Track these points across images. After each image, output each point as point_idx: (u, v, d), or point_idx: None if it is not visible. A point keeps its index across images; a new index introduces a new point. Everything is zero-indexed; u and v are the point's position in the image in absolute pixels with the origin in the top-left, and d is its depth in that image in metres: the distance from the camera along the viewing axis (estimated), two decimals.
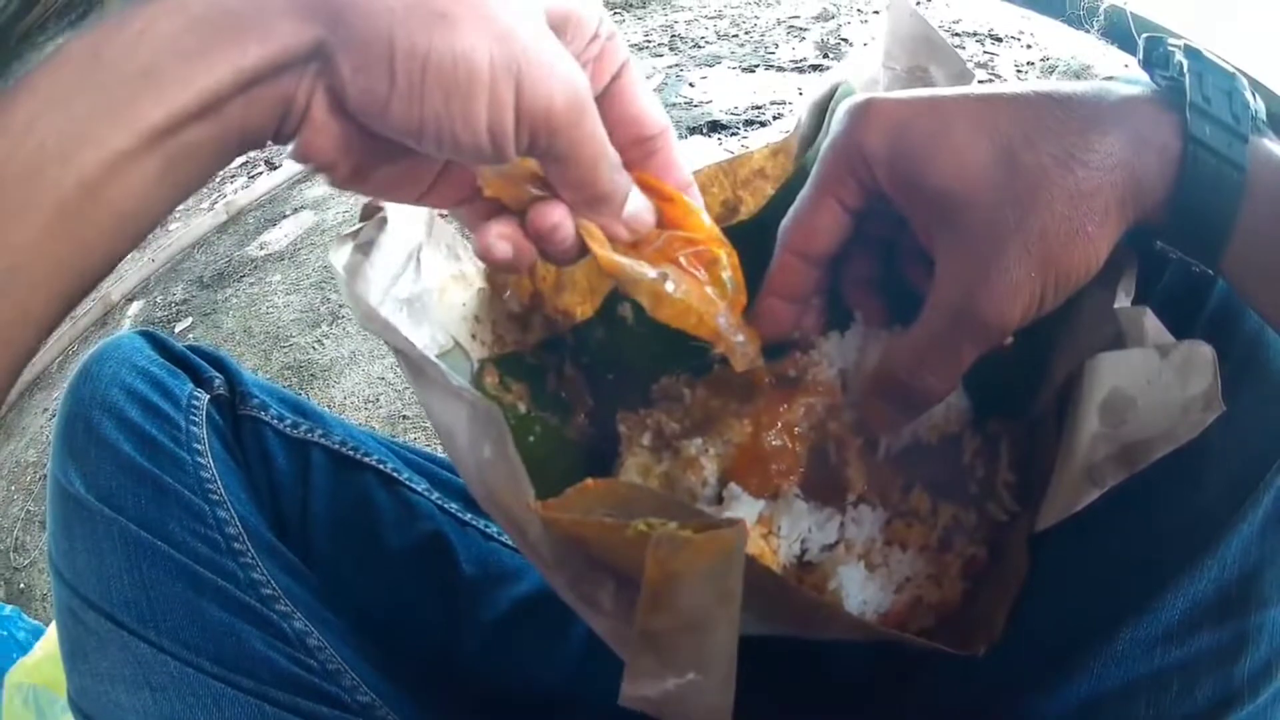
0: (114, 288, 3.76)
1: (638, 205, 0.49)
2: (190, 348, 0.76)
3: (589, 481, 0.44)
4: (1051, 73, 2.80)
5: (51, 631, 1.48)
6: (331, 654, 0.63)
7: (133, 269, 3.87)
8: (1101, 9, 2.94)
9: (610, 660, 0.51)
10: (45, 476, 2.83)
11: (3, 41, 4.46)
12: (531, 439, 0.60)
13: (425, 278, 0.56)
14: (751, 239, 0.58)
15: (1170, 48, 0.45)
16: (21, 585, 2.39)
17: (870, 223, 0.52)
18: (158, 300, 3.48)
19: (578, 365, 0.64)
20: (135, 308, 3.57)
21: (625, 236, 0.49)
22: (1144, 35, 0.46)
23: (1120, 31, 2.89)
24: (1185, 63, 0.44)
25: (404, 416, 2.09)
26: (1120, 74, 0.51)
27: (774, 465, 0.54)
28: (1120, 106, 0.43)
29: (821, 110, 0.63)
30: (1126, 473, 0.43)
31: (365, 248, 0.52)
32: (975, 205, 0.44)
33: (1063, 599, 0.50)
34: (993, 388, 0.55)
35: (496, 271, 0.62)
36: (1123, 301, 0.46)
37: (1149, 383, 0.43)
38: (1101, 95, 0.44)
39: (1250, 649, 0.44)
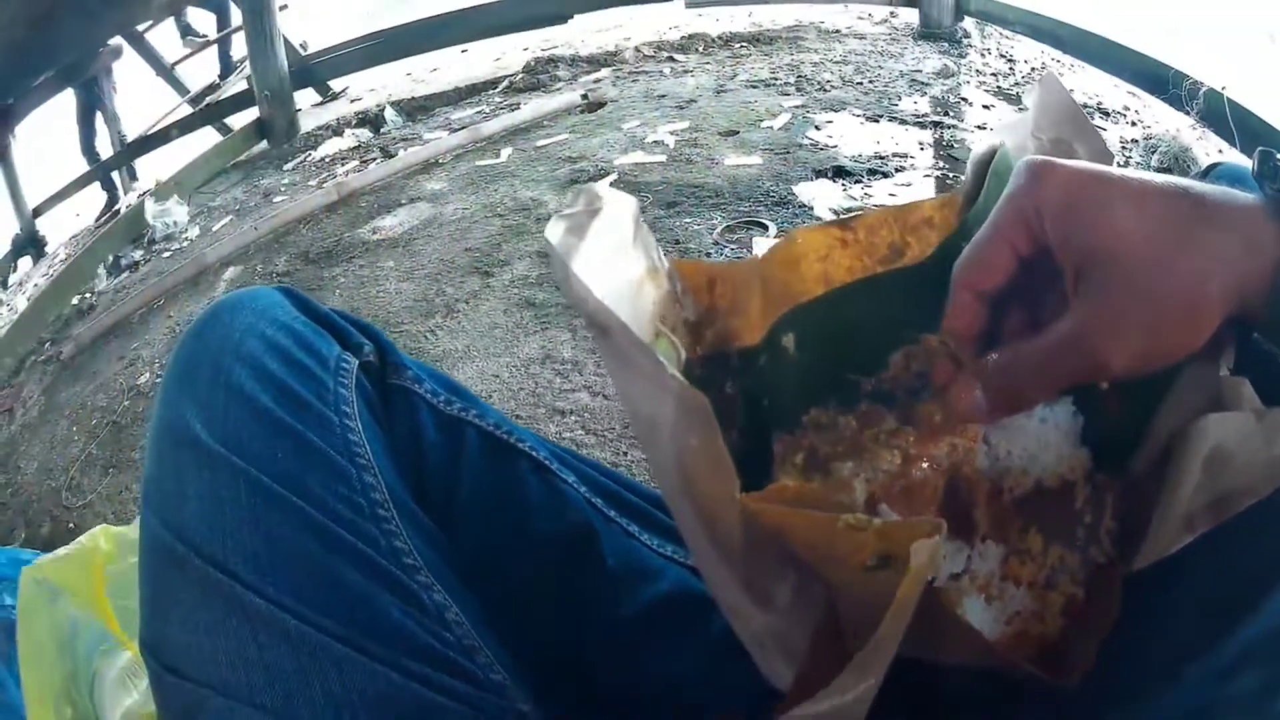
0: (210, 250, 3.81)
1: None
2: (336, 311, 0.74)
3: (786, 483, 0.47)
4: (1153, 152, 2.81)
5: (84, 539, 1.47)
6: (469, 630, 0.61)
7: (231, 235, 3.92)
8: (1201, 92, 2.96)
9: (741, 665, 0.53)
10: (113, 423, 2.86)
11: None
12: None
13: (628, 270, 0.57)
14: (911, 285, 0.62)
15: (1279, 163, 0.49)
16: (71, 525, 2.43)
17: (1026, 281, 0.56)
18: (257, 269, 3.53)
19: (736, 386, 0.64)
20: (232, 272, 3.62)
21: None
22: (1259, 150, 0.50)
23: (1216, 116, 2.91)
24: None
25: (517, 416, 2.08)
26: (1225, 163, 0.59)
27: (918, 495, 0.58)
28: (1239, 211, 0.48)
29: (983, 169, 0.65)
30: (1215, 521, 0.48)
31: (579, 231, 0.53)
32: (1119, 265, 0.49)
33: (1144, 633, 0.52)
34: (1105, 443, 0.58)
35: (683, 277, 0.63)
36: (1224, 372, 0.50)
37: (1244, 441, 0.47)
38: (1224, 198, 0.49)
39: None
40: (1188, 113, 3.01)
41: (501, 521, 0.71)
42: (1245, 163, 0.55)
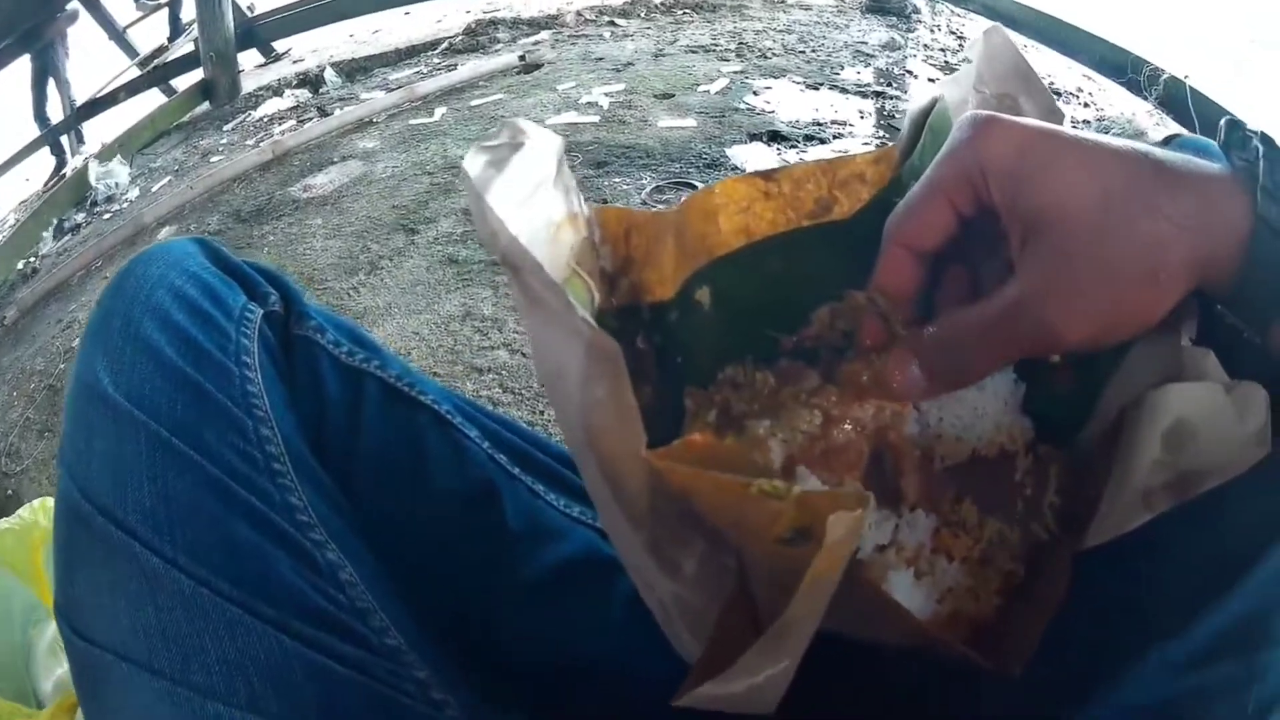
0: (147, 210, 3.78)
1: None
2: (247, 262, 0.72)
3: (696, 437, 0.43)
4: (1106, 133, 2.82)
5: (23, 512, 1.45)
6: (363, 591, 0.59)
7: (168, 195, 3.89)
8: (1162, 79, 2.97)
9: (651, 634, 0.52)
10: (49, 387, 2.83)
11: None
12: None
13: (547, 211, 0.54)
14: (839, 241, 0.60)
15: (1248, 133, 0.48)
16: (10, 491, 2.40)
17: (965, 244, 0.54)
18: (191, 228, 3.50)
19: (649, 341, 0.62)
20: (166, 232, 3.60)
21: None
22: (1225, 119, 0.49)
23: (1177, 103, 2.92)
24: (1261, 149, 0.47)
25: (435, 373, 2.07)
26: (1184, 135, 0.55)
27: (840, 459, 0.54)
28: (1202, 179, 0.46)
29: (919, 123, 0.63)
30: (1176, 500, 0.46)
31: (499, 164, 0.50)
32: (1069, 229, 0.46)
33: (1103, 618, 0.50)
34: (1048, 414, 0.56)
35: (602, 224, 0.60)
36: (1185, 343, 0.48)
37: (1211, 416, 0.45)
38: (1188, 165, 0.47)
39: (1257, 685, 0.45)
40: (1145, 98, 3.03)
41: (398, 477, 0.69)
42: (1205, 140, 0.53)
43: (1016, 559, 0.54)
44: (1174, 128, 2.82)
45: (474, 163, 0.49)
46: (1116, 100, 3.18)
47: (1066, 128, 0.50)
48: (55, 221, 4.42)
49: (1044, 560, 0.53)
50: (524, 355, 2.04)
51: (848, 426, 0.54)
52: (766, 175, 0.61)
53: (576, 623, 0.68)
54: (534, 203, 0.52)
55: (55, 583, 0.58)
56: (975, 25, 4.04)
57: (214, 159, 4.29)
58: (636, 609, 0.51)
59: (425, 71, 4.64)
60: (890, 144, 0.63)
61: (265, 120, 4.68)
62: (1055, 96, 0.58)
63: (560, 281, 0.50)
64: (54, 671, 1.35)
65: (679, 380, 0.61)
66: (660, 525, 0.45)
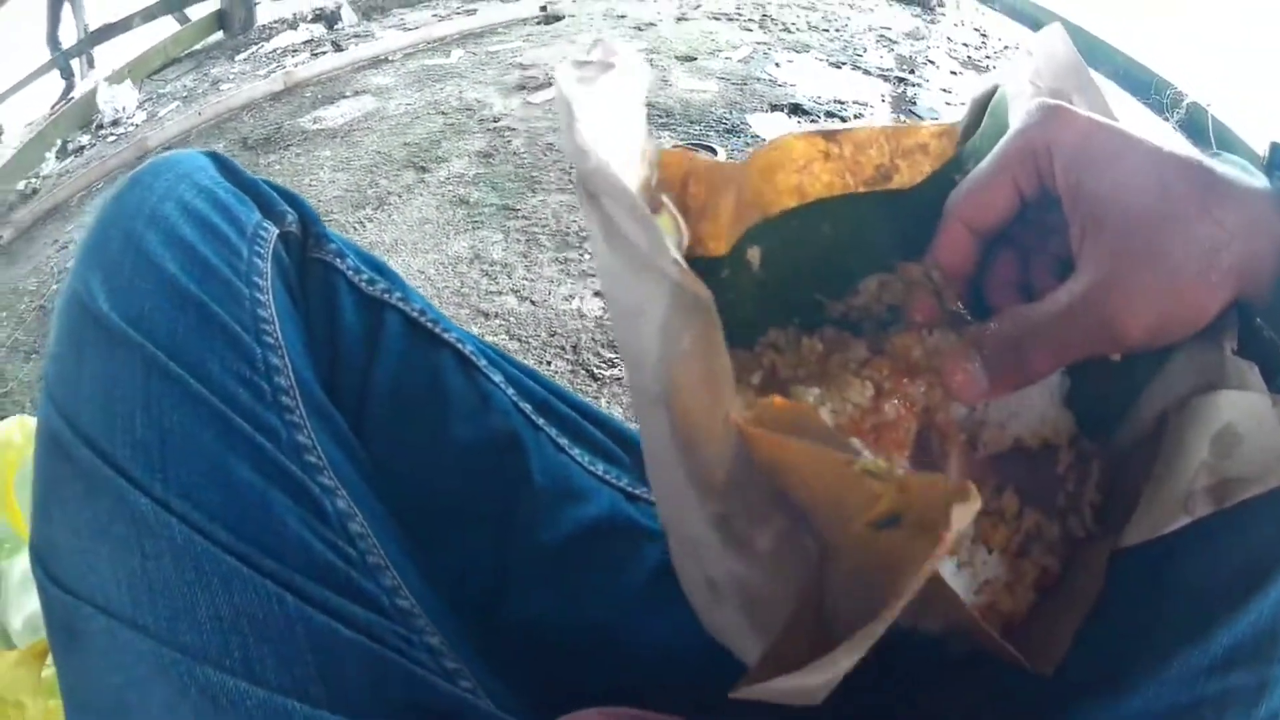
0: (152, 134, 3.75)
1: None
2: (263, 180, 0.67)
3: (779, 400, 0.41)
4: None
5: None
6: (374, 544, 0.55)
7: (175, 119, 3.86)
8: (1184, 103, 2.97)
9: (671, 606, 0.50)
10: (40, 308, 2.80)
11: None
12: None
13: (625, 141, 0.50)
14: (895, 211, 0.59)
15: None
16: None
17: (1023, 229, 0.55)
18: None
19: None
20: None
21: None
22: (1272, 141, 0.49)
23: (1197, 128, 2.93)
24: None
25: None
26: (1224, 154, 0.55)
27: (890, 435, 0.53)
28: (1249, 192, 0.47)
29: (981, 106, 0.62)
30: (1216, 506, 0.46)
31: (589, 83, 0.47)
32: (1131, 222, 0.47)
33: (1132, 620, 0.49)
34: (1092, 410, 0.56)
35: (662, 165, 0.57)
36: (1228, 353, 0.48)
37: (1258, 425, 0.46)
38: (1238, 177, 0.47)
39: (1267, 697, 0.46)
40: (1166, 119, 3.03)
41: (416, 419, 0.65)
42: (1243, 161, 0.54)
43: (1053, 554, 0.53)
44: None
45: (566, 76, 0.46)
46: (1137, 119, 3.18)
47: (1127, 125, 0.50)
48: (59, 143, 4.37)
49: (1080, 557, 0.53)
50: (532, 303, 2.02)
51: (898, 402, 0.53)
52: (828, 135, 0.59)
53: (596, 590, 0.64)
54: (617, 129, 0.49)
55: (31, 519, 0.53)
56: (997, 23, 4.04)
57: (224, 87, 4.26)
58: (661, 581, 0.50)
59: (443, 14, 4.61)
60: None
61: (278, 52, 4.65)
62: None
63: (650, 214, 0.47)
64: (25, 607, 1.31)
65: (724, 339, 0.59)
66: (735, 497, 0.43)
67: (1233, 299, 0.47)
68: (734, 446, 0.40)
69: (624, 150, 0.50)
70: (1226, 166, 0.47)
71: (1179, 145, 0.48)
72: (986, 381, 0.51)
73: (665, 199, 0.52)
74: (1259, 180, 0.47)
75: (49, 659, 1.11)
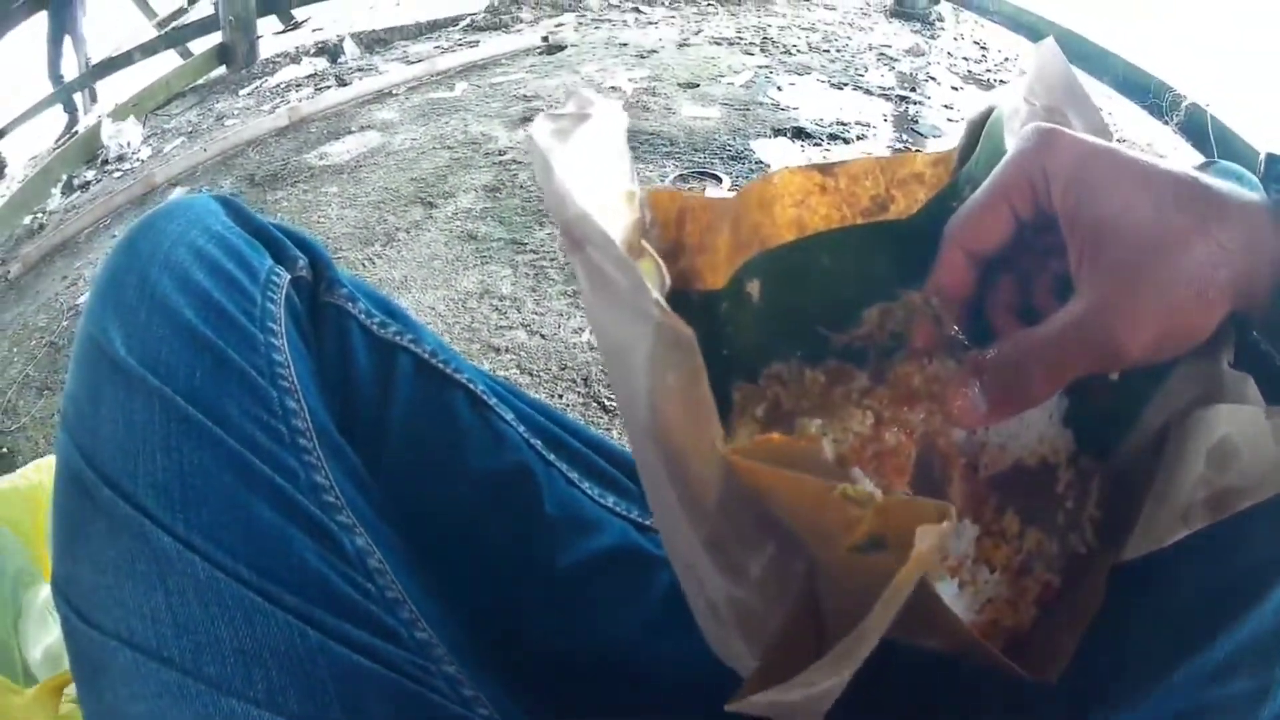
0: (158, 170, 3.76)
1: None
2: (274, 224, 0.68)
3: (774, 435, 0.42)
4: None
5: (29, 471, 1.41)
6: (392, 580, 0.56)
7: (181, 155, 3.87)
8: (1183, 105, 2.98)
9: (683, 631, 0.51)
10: (50, 344, 2.81)
11: None
12: None
13: (607, 186, 0.52)
14: (893, 241, 0.60)
15: None
16: (4, 448, 2.36)
17: (1015, 257, 0.55)
18: (203, 189, 3.47)
19: (697, 331, 0.60)
20: (178, 193, 3.57)
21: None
22: (1266, 153, 0.50)
23: (1197, 129, 2.93)
24: None
25: None
26: (1220, 161, 0.57)
27: (890, 462, 0.54)
28: (1244, 206, 0.47)
29: (977, 129, 0.63)
30: (1213, 518, 0.46)
31: (565, 134, 0.49)
32: (1129, 243, 0.47)
33: (1136, 630, 0.51)
34: (1091, 428, 0.57)
35: (654, 205, 0.59)
36: (1225, 366, 0.49)
37: (1254, 437, 0.46)
38: (1232, 191, 0.48)
39: (1269, 701, 0.46)
40: (1166, 123, 3.03)
41: (432, 458, 0.66)
42: (1239, 167, 0.55)
43: (1054, 570, 0.54)
44: (1194, 156, 2.84)
45: (541, 130, 0.48)
46: (1137, 123, 3.20)
47: (1121, 145, 0.51)
48: (65, 178, 4.39)
49: (1081, 572, 0.53)
50: (543, 336, 2.03)
51: (898, 429, 0.54)
52: (824, 169, 0.60)
53: (609, 617, 0.66)
54: (597, 176, 0.50)
55: (53, 555, 0.54)
56: (997, 36, 4.05)
57: (229, 122, 4.28)
58: (672, 606, 0.50)
59: (446, 46, 4.64)
60: (950, 148, 0.63)
61: (282, 87, 4.67)
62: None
63: (632, 258, 0.49)
64: (44, 640, 1.31)
65: (725, 373, 0.59)
66: (726, 523, 0.44)
67: (1230, 311, 0.47)
68: (722, 475, 0.41)
69: (606, 196, 0.51)
70: (1221, 181, 0.48)
71: (1172, 162, 0.49)
72: (986, 406, 0.51)
73: (645, 244, 0.53)
74: (1254, 194, 0.48)
75: (65, 694, 1.12)
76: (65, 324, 2.86)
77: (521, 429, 0.70)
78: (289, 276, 0.63)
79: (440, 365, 0.68)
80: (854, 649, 0.37)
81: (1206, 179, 0.48)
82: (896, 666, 0.53)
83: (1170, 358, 0.49)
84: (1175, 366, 0.51)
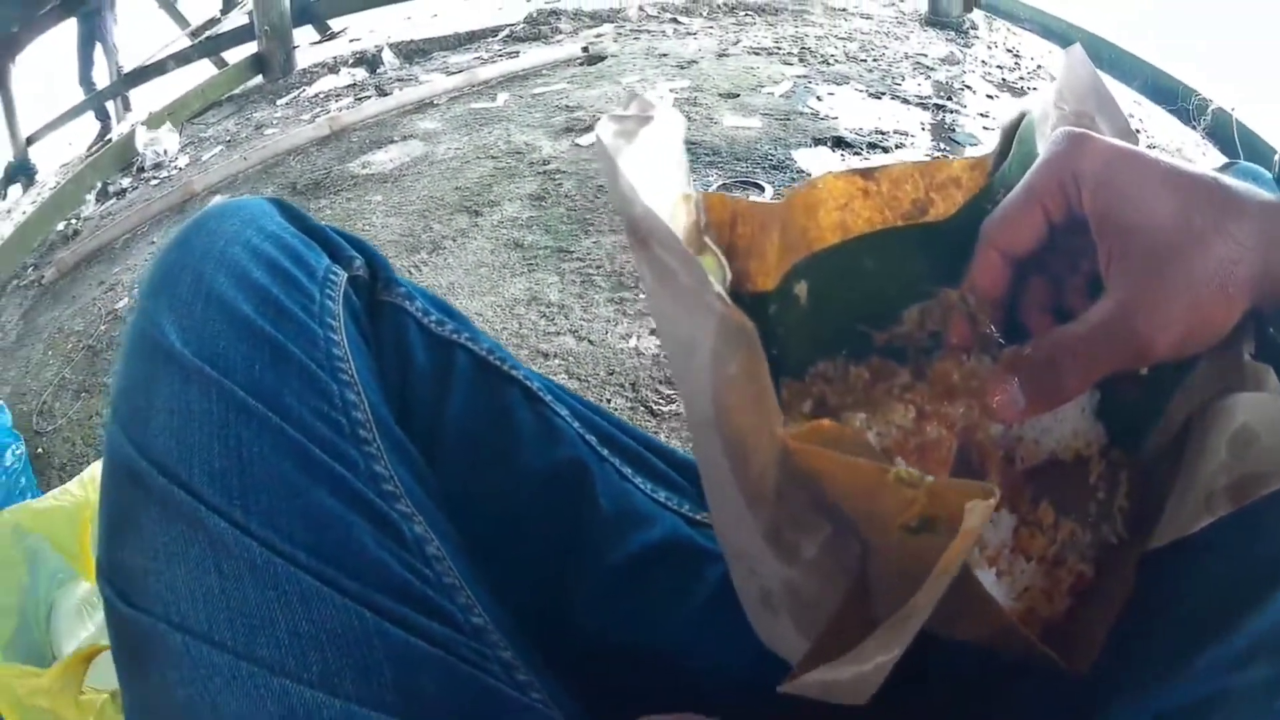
0: (197, 178, 3.78)
1: None
2: (329, 226, 0.69)
3: (825, 422, 0.43)
4: None
5: (70, 486, 1.43)
6: (450, 567, 0.57)
7: (220, 163, 3.90)
8: (1210, 109, 2.98)
9: (731, 624, 0.52)
10: (88, 347, 2.84)
11: None
12: None
13: (667, 188, 0.55)
14: (932, 242, 0.62)
15: None
16: (40, 449, 2.39)
17: (1048, 258, 0.57)
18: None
19: None
20: (218, 200, 3.57)
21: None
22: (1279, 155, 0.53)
23: (1223, 134, 2.93)
24: None
25: None
26: (1240, 162, 0.60)
27: (932, 455, 0.56)
28: (1260, 206, 0.49)
29: (1010, 134, 0.65)
30: (1236, 504, 0.47)
31: (629, 135, 0.51)
32: (1154, 245, 0.49)
33: (1161, 618, 0.51)
34: (1121, 421, 0.59)
35: (708, 209, 0.60)
36: (1246, 358, 0.51)
37: (1273, 424, 0.48)
38: (1250, 192, 0.50)
39: None
40: (1193, 127, 3.04)
41: (488, 451, 0.68)
42: (1258, 168, 0.58)
43: (1087, 560, 0.55)
44: (1220, 160, 2.84)
45: (606, 130, 0.50)
46: (1165, 127, 3.19)
47: (1145, 149, 0.53)
48: (99, 185, 4.42)
49: (1112, 562, 0.55)
50: (590, 343, 2.05)
51: (938, 423, 0.56)
52: (866, 174, 0.62)
53: (658, 610, 0.67)
54: (657, 177, 0.52)
55: (99, 544, 0.54)
56: (1029, 43, 4.04)
57: (267, 131, 4.30)
58: (721, 600, 0.52)
59: (486, 57, 4.63)
60: (985, 154, 0.64)
61: (321, 97, 4.68)
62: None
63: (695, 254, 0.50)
64: (78, 635, 1.35)
65: (774, 372, 0.61)
66: (783, 508, 0.45)
67: (1250, 307, 0.49)
68: (780, 461, 0.43)
69: (667, 196, 0.53)
70: (1239, 181, 0.50)
71: (1195, 168, 0.51)
72: (1024, 401, 0.53)
73: (708, 240, 0.56)
74: (1270, 194, 0.50)
75: (91, 665, 1.13)
76: (103, 328, 2.90)
77: (576, 425, 0.71)
78: (346, 275, 0.65)
79: (496, 362, 0.70)
80: (903, 625, 0.39)
81: (1225, 180, 0.50)
82: (939, 659, 0.55)
83: (1196, 352, 0.51)
84: (1200, 360, 0.53)
